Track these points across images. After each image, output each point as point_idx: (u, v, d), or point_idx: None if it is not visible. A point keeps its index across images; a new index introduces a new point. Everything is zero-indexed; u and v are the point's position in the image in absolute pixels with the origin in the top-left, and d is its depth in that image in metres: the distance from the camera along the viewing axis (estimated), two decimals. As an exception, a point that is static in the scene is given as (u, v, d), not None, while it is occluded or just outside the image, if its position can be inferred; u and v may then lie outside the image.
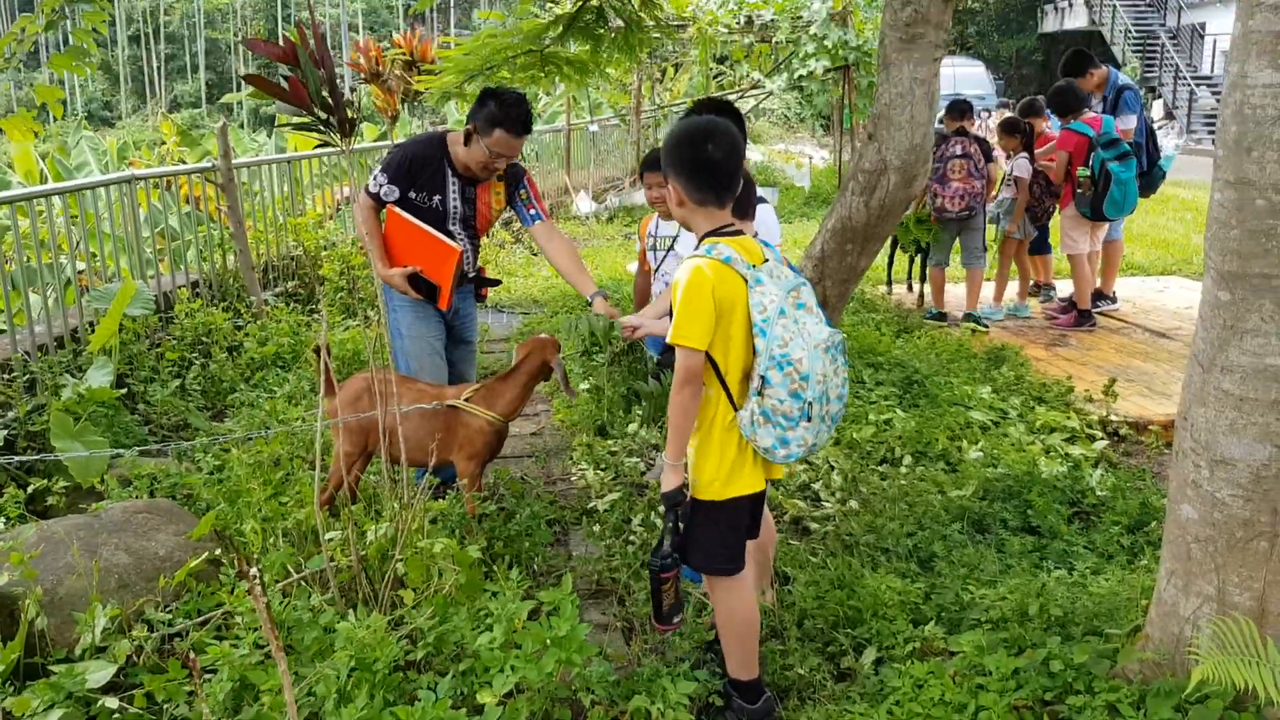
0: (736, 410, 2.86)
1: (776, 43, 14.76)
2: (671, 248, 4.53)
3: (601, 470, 5.10)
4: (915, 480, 4.76)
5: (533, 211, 4.55)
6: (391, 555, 3.39)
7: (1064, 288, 8.77)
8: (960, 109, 7.94)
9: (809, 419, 2.76)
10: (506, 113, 4.15)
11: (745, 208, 3.48)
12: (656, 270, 4.65)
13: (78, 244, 6.82)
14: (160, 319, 6.53)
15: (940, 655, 3.18)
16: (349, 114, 3.72)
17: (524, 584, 3.24)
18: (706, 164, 2.81)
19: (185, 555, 3.63)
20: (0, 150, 21.55)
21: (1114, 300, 8.40)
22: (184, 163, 13.89)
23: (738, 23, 14.01)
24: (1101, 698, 2.71)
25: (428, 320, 4.50)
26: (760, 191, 4.07)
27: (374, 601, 3.35)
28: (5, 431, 4.66)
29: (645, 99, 16.21)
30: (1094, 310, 7.92)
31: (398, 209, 4.26)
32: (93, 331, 5.77)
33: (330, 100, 3.67)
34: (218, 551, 3.67)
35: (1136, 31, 32.26)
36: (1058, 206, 7.94)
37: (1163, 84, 30.54)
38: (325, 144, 3.81)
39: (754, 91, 15.72)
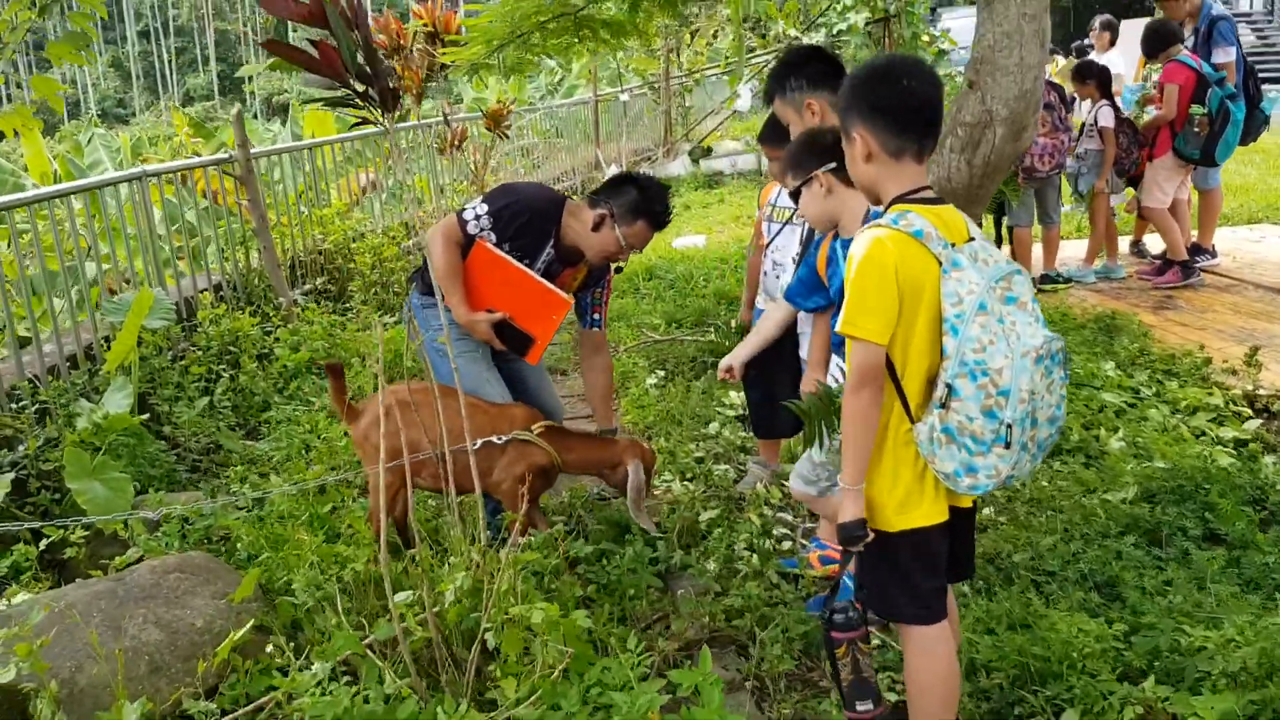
0: (913, 422, 2.27)
1: (811, -3, 14.00)
2: (789, 220, 3.90)
3: (689, 481, 4.48)
4: (1055, 479, 4.11)
5: (597, 316, 4.12)
6: (475, 616, 2.80)
7: (1152, 244, 8.09)
8: None
9: (1006, 444, 2.15)
10: (652, 206, 3.73)
11: None
12: (769, 244, 4.03)
13: (89, 250, 6.23)
14: (182, 328, 5.93)
15: (1167, 722, 2.56)
16: (391, 84, 3.11)
17: (643, 652, 2.63)
18: (909, 101, 2.27)
19: (227, 623, 3.04)
20: (15, 152, 21.01)
21: (1214, 254, 7.67)
22: (198, 155, 13.31)
23: (770, -23, 13.25)
24: None
25: (471, 337, 3.93)
26: None
27: (452, 672, 2.77)
28: (14, 473, 4.07)
29: (675, 65, 15.49)
30: (1195, 265, 7.21)
31: (489, 246, 3.69)
32: (108, 348, 5.19)
33: (368, 69, 3.05)
34: (265, 616, 3.09)
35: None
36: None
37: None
38: (364, 121, 3.20)
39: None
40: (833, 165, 2.84)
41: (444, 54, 8.45)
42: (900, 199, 2.29)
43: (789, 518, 4.09)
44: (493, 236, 3.69)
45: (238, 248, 6.99)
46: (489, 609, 2.68)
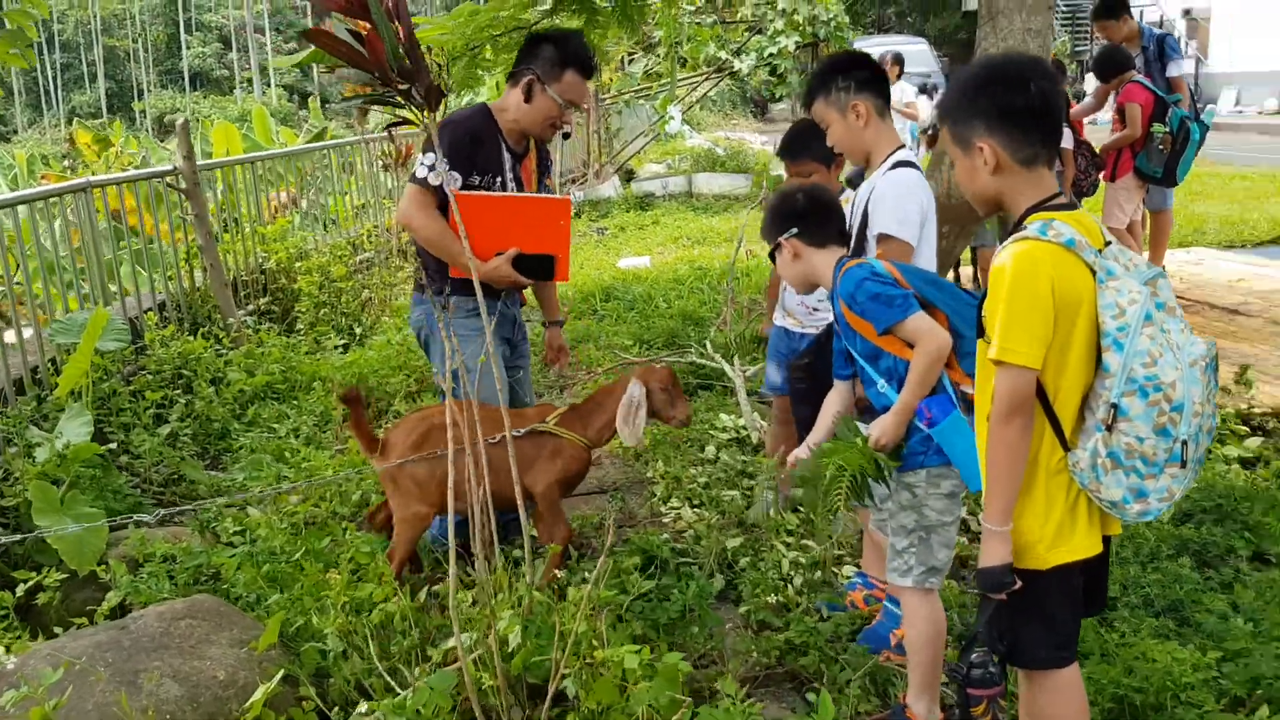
0: (1067, 449, 2.10)
1: (739, 20, 14.07)
2: None
3: (697, 507, 4.28)
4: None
5: None
6: (540, 660, 2.56)
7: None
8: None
9: (1182, 463, 2.01)
10: (572, 51, 3.53)
11: (842, 240, 2.89)
12: None
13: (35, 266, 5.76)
14: (132, 350, 5.52)
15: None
16: (437, 81, 2.87)
17: (745, 699, 2.42)
18: (1041, 104, 2.09)
19: (251, 675, 2.73)
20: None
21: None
22: (94, 174, 12.63)
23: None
24: None
25: (497, 342, 3.72)
26: None
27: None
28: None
29: (608, 86, 15.35)
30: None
31: (461, 193, 3.46)
32: (56, 372, 4.77)
33: (410, 64, 2.80)
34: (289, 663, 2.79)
35: (1065, 5, 32.19)
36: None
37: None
38: (403, 121, 2.96)
39: (718, 74, 14.95)
40: (794, 231, 2.81)
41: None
42: (1037, 208, 2.14)
43: (814, 545, 3.91)
44: (457, 176, 3.41)
45: (181, 265, 6.56)
46: (563, 653, 2.44)
